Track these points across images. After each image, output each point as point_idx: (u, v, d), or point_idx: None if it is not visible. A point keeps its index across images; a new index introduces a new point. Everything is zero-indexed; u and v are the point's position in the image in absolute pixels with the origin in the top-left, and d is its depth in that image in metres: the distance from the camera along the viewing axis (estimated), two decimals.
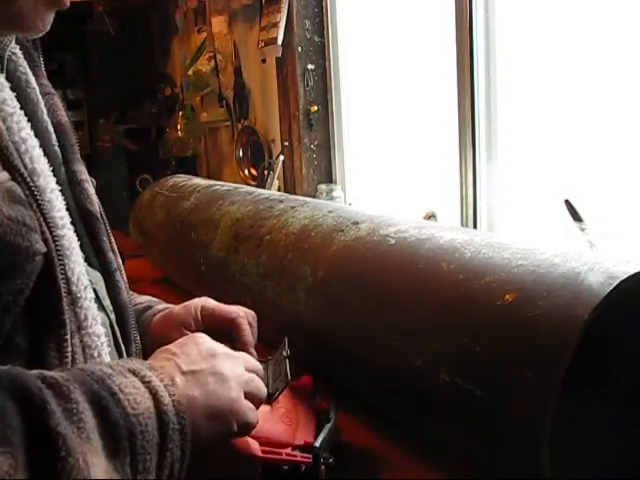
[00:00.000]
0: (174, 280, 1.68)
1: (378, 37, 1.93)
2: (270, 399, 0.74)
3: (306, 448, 0.71)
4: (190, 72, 2.81)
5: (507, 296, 0.71)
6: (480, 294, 0.74)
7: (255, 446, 0.66)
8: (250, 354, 0.73)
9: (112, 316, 0.67)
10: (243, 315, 0.80)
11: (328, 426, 0.77)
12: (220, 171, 2.84)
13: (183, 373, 0.59)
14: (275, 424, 0.71)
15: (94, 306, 0.62)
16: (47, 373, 0.49)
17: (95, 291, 0.64)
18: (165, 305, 0.87)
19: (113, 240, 0.73)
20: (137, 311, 0.83)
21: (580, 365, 0.63)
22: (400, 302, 0.85)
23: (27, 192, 0.55)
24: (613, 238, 1.12)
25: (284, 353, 0.79)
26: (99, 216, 0.69)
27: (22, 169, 0.56)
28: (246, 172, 2.54)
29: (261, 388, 0.64)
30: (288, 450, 0.70)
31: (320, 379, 0.86)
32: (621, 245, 1.11)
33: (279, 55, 2.12)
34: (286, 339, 0.81)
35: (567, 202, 1.20)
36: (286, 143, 2.19)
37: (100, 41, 3.26)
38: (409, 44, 1.79)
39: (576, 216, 1.19)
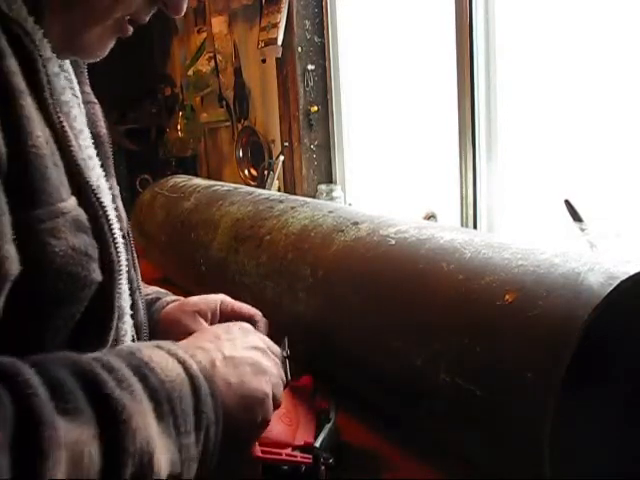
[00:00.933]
0: (174, 280, 1.68)
1: (378, 37, 1.93)
2: None
3: (306, 448, 0.71)
4: (190, 72, 2.81)
5: (507, 296, 0.71)
6: (480, 294, 0.74)
7: (255, 446, 0.66)
8: None
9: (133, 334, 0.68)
10: (261, 315, 0.83)
11: (328, 426, 0.77)
12: (220, 171, 2.84)
13: (224, 358, 0.60)
14: (275, 424, 0.71)
15: (130, 321, 0.64)
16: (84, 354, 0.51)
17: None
18: (174, 297, 0.87)
19: (136, 256, 0.73)
20: (146, 302, 0.83)
21: (580, 365, 0.63)
22: (400, 302, 0.85)
23: (100, 211, 0.56)
24: (613, 238, 1.12)
25: (284, 353, 0.79)
26: (125, 233, 0.69)
27: (94, 186, 0.56)
28: (246, 172, 2.54)
29: (282, 395, 0.66)
30: (288, 450, 0.70)
31: (320, 379, 0.86)
32: (621, 245, 1.11)
33: (279, 55, 2.12)
34: (286, 339, 0.81)
35: (567, 202, 1.20)
36: (286, 143, 2.19)
37: None
38: (409, 44, 1.79)
39: (576, 216, 1.19)
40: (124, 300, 0.62)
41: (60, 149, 0.54)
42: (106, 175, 0.67)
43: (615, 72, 1.26)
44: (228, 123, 2.63)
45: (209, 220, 1.41)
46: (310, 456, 0.70)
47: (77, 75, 0.68)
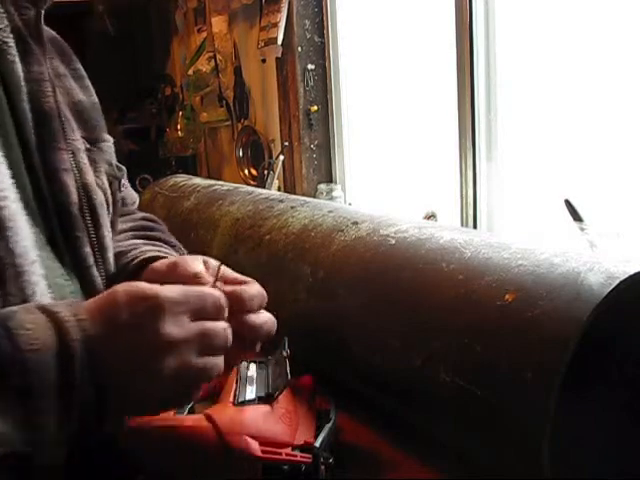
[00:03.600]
0: None
1: (378, 37, 1.93)
2: (270, 399, 0.74)
3: (306, 448, 0.71)
4: (190, 72, 2.81)
5: (507, 296, 0.71)
6: (480, 294, 0.74)
7: (255, 446, 0.66)
8: None
9: None
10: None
11: (328, 426, 0.77)
12: (220, 171, 2.84)
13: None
14: (275, 424, 0.71)
15: (44, 282, 0.60)
16: None
17: (59, 286, 0.62)
18: (151, 252, 0.76)
19: (104, 234, 0.69)
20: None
21: (580, 365, 0.63)
22: (400, 302, 0.85)
23: None
24: (613, 238, 1.12)
25: (284, 353, 0.79)
26: (74, 209, 0.66)
27: None
28: (246, 172, 2.54)
29: (220, 336, 0.55)
30: (288, 450, 0.70)
31: (320, 379, 0.86)
32: (621, 245, 1.11)
33: (279, 55, 2.12)
34: (286, 339, 0.81)
35: (567, 202, 1.20)
36: (286, 143, 2.19)
37: (100, 41, 3.26)
38: (409, 44, 1.79)
39: (576, 216, 1.19)
40: (22, 258, 0.58)
41: None
42: (46, 150, 0.66)
43: (615, 72, 1.26)
44: (228, 123, 2.63)
45: (209, 220, 1.41)
46: (310, 456, 0.70)
47: (27, 55, 0.67)
